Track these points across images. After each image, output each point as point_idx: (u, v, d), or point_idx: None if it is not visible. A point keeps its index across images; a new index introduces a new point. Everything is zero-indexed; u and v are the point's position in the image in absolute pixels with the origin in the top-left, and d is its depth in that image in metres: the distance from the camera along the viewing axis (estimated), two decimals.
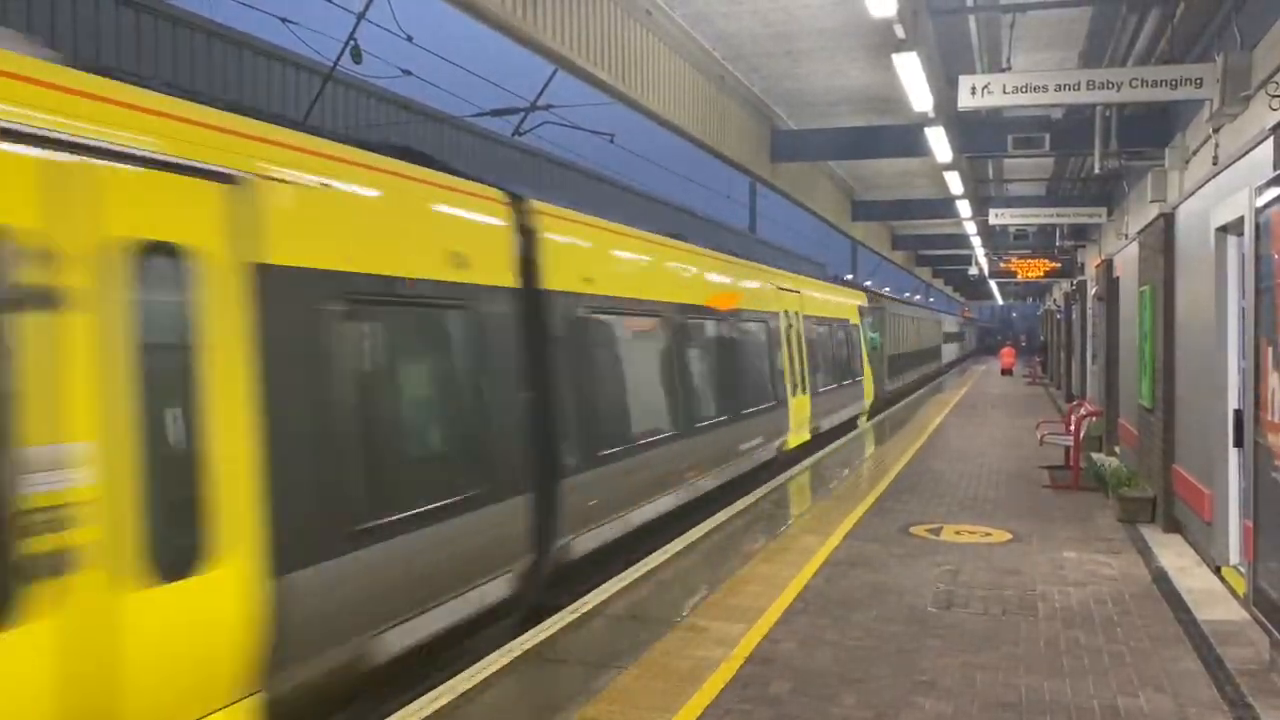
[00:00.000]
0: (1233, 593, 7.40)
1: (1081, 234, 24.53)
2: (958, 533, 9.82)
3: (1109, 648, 6.26)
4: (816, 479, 13.51)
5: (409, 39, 13.81)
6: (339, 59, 13.81)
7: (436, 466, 6.15)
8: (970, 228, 26.32)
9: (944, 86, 11.71)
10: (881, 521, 10.35)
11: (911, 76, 10.13)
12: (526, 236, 7.44)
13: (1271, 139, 6.36)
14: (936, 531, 9.86)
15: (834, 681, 5.65)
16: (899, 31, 8.98)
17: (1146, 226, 11.59)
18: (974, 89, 9.50)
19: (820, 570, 8.24)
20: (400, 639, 5.53)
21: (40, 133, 3.75)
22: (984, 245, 29.98)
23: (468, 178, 6.85)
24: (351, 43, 13.39)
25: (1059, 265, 28.62)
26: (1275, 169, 6.05)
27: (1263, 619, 5.82)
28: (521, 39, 9.39)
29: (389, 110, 18.28)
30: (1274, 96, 7.18)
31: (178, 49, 13.23)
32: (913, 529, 9.96)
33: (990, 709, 5.24)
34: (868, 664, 5.95)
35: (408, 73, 16.23)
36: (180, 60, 13.33)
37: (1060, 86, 9.37)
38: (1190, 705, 5.31)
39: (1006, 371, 45.49)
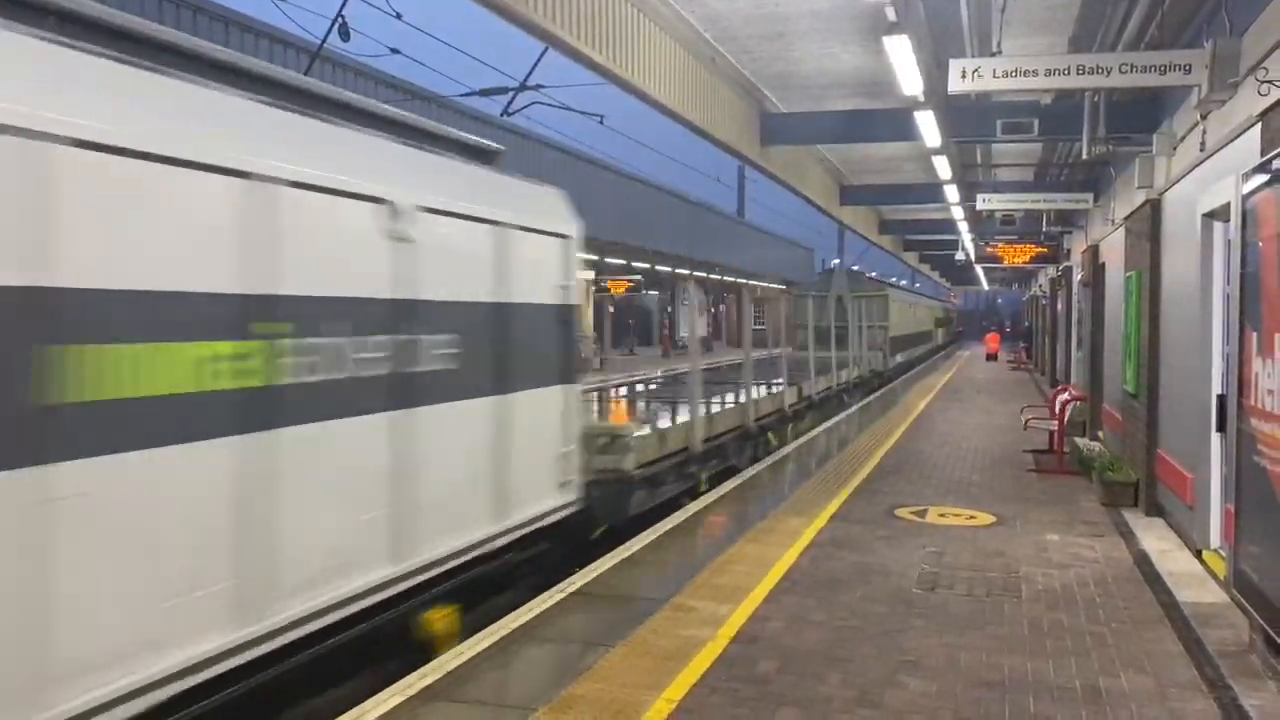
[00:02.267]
0: (1213, 576, 7.48)
1: (1068, 220, 24.62)
2: (943, 515, 9.89)
3: (1091, 629, 6.32)
4: (802, 461, 13.57)
5: (398, 16, 13.67)
6: (326, 37, 13.68)
7: None
8: (958, 213, 26.39)
9: (934, 70, 11.71)
10: (867, 503, 10.41)
11: (902, 60, 10.14)
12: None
13: (1259, 125, 6.40)
14: (922, 514, 9.92)
15: (820, 661, 5.70)
16: (890, 14, 9.00)
17: (1133, 212, 11.63)
18: (964, 73, 9.48)
19: (806, 551, 8.29)
20: None
21: None
22: (971, 230, 30.06)
23: None
24: (340, 20, 13.26)
25: (1045, 251, 28.75)
26: (1262, 155, 6.09)
27: (1242, 601, 5.88)
28: (511, 16, 9.35)
29: (377, 89, 18.14)
30: (1262, 83, 7.21)
31: (163, 23, 13.07)
32: (898, 511, 10.02)
33: (974, 688, 5.30)
34: (853, 644, 5.99)
35: (396, 51, 16.08)
36: None
37: (1050, 71, 9.37)
38: (1171, 686, 5.38)
39: (991, 356, 47.66)
